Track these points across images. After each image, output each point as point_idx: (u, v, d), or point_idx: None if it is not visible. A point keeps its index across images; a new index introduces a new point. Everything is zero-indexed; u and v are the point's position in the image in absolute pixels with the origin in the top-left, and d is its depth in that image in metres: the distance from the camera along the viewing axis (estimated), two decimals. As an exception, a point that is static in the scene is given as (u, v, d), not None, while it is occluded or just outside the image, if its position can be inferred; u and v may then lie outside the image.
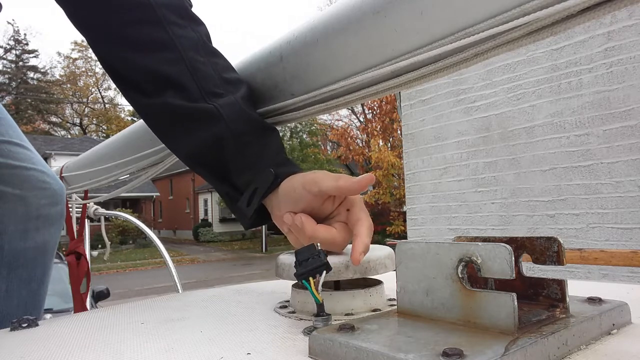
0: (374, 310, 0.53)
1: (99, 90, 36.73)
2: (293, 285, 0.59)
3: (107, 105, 37.17)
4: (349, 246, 0.62)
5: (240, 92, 0.62)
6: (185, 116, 0.60)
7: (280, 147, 0.61)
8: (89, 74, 35.90)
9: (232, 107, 0.59)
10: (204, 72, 0.60)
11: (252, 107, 0.63)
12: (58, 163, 1.92)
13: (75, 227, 1.60)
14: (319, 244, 0.49)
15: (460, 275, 0.38)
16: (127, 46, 0.62)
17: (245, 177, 0.59)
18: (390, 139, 19.82)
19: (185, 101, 0.59)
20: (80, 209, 1.67)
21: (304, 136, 23.74)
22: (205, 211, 26.55)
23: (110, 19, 0.61)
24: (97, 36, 0.64)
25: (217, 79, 0.61)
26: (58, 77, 35.39)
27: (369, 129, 20.83)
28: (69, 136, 32.86)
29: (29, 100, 33.56)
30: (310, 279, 0.47)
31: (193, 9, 0.67)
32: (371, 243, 0.54)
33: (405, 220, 4.64)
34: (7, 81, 33.40)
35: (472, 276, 0.39)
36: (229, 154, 0.59)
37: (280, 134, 0.65)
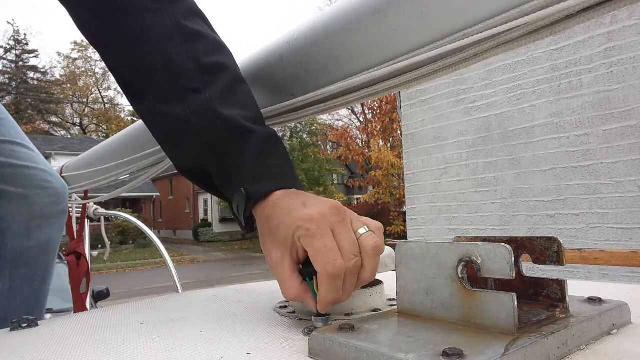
0: (374, 310, 0.53)
1: (99, 90, 36.80)
2: (293, 285, 0.59)
3: (107, 105, 37.21)
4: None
5: (218, 83, 0.56)
6: (167, 127, 0.57)
7: (260, 151, 0.53)
8: (89, 74, 36.00)
9: (203, 113, 0.54)
10: (179, 65, 0.55)
11: (232, 97, 0.56)
12: (58, 163, 1.92)
13: (75, 227, 1.60)
14: None
15: (460, 275, 0.38)
16: (102, 45, 0.59)
17: (228, 192, 0.56)
18: (390, 139, 19.79)
19: (163, 103, 0.55)
20: (80, 209, 1.67)
21: (304, 136, 23.73)
22: (205, 211, 26.54)
23: (89, 15, 0.59)
24: (89, 37, 0.61)
25: (193, 70, 0.55)
26: (58, 77, 35.42)
27: (369, 129, 20.81)
28: (69, 136, 32.83)
29: (29, 100, 33.55)
30: (314, 277, 0.47)
31: None
32: None
33: (405, 220, 4.64)
34: (7, 81, 33.40)
35: (472, 276, 0.39)
36: (210, 168, 0.55)
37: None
